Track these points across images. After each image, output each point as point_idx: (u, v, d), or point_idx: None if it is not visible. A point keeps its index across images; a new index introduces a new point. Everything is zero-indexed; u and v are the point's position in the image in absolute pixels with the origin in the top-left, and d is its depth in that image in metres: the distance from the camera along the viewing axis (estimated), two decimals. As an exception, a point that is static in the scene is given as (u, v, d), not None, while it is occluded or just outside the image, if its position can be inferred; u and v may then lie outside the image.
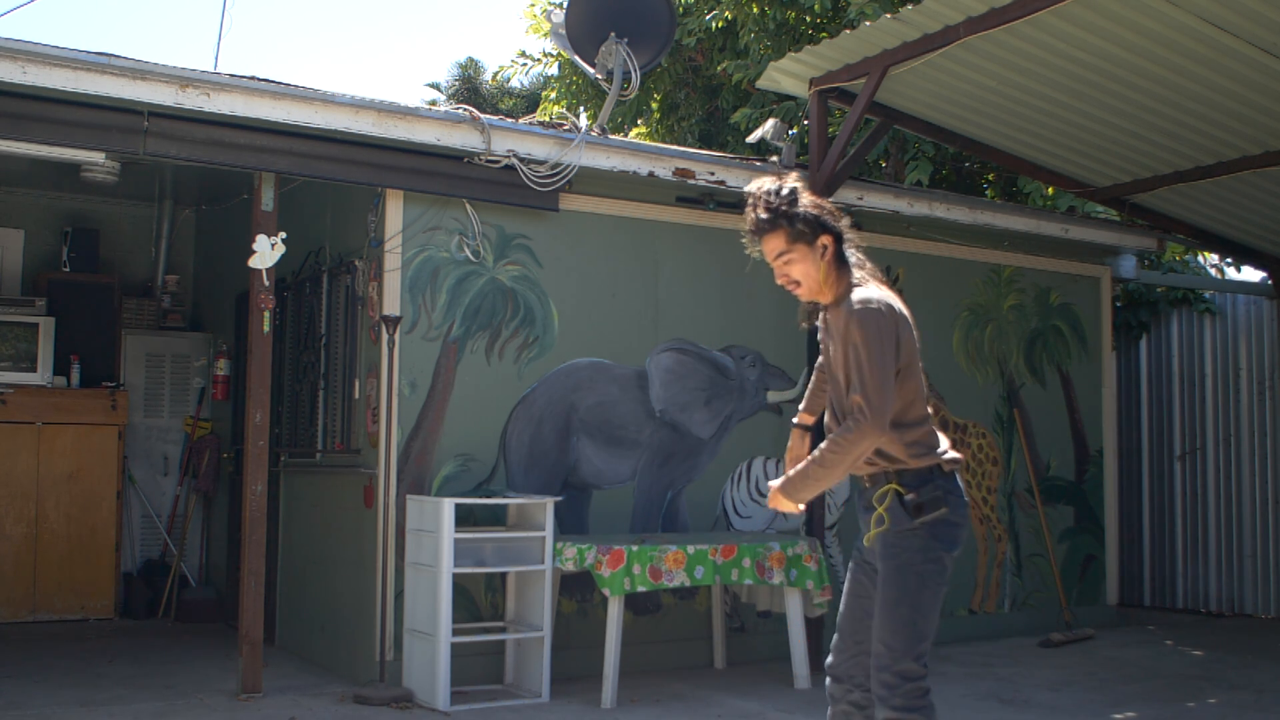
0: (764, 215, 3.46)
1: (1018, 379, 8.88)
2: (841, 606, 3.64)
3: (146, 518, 9.03)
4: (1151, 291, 10.23)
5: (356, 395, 6.70)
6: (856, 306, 3.39)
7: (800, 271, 3.48)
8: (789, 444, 3.87)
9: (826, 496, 7.60)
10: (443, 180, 6.51)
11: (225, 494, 8.74)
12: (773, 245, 3.48)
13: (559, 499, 6.48)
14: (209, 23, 59.08)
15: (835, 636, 3.63)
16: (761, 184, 3.51)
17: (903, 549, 3.42)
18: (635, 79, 7.55)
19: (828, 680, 3.62)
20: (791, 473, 3.47)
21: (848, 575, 3.66)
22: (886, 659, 3.39)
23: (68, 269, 8.82)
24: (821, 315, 3.63)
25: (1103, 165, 8.42)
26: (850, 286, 3.46)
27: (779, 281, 3.54)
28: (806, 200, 3.48)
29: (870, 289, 3.44)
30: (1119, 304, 10.15)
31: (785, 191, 3.46)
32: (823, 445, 3.39)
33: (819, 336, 3.68)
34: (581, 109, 7.58)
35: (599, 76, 7.80)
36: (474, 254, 6.65)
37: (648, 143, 9.54)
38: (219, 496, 8.89)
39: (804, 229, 3.44)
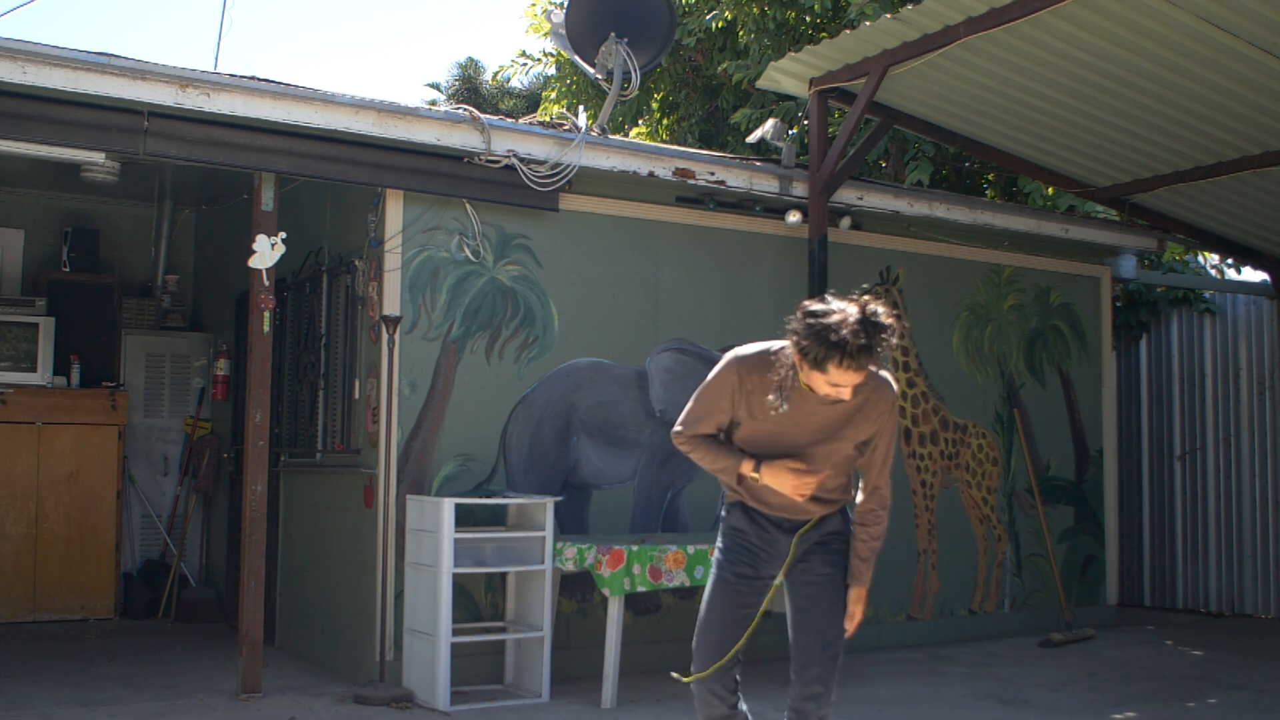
0: (882, 350, 3.24)
1: (1018, 379, 8.87)
2: (721, 620, 3.60)
3: (146, 518, 9.03)
4: (1151, 291, 10.22)
5: (356, 395, 6.70)
6: (889, 391, 3.47)
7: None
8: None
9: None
10: (443, 180, 6.51)
11: (225, 494, 8.74)
12: (862, 375, 3.27)
13: (559, 499, 6.49)
14: (209, 23, 59.08)
15: (717, 652, 3.57)
16: (885, 318, 3.24)
17: (842, 553, 3.69)
18: (635, 79, 7.56)
19: (714, 699, 3.58)
20: (864, 576, 3.62)
21: (727, 591, 3.63)
22: (838, 645, 3.57)
23: (68, 269, 8.82)
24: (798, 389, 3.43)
25: (1103, 165, 8.42)
26: None
27: (834, 395, 3.32)
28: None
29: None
30: (1119, 304, 10.15)
31: (892, 327, 3.26)
32: (867, 541, 3.60)
33: (768, 398, 3.45)
34: (581, 109, 7.56)
35: (599, 76, 7.80)
36: (474, 254, 6.65)
37: (648, 143, 9.55)
38: (219, 496, 8.89)
39: None
